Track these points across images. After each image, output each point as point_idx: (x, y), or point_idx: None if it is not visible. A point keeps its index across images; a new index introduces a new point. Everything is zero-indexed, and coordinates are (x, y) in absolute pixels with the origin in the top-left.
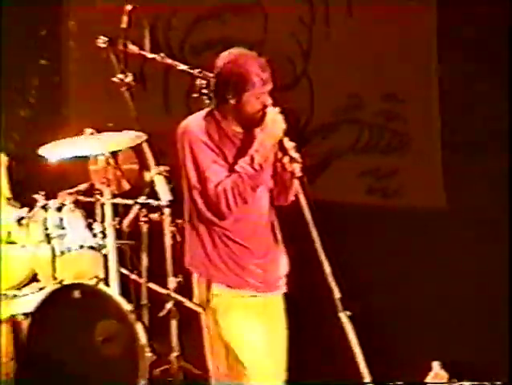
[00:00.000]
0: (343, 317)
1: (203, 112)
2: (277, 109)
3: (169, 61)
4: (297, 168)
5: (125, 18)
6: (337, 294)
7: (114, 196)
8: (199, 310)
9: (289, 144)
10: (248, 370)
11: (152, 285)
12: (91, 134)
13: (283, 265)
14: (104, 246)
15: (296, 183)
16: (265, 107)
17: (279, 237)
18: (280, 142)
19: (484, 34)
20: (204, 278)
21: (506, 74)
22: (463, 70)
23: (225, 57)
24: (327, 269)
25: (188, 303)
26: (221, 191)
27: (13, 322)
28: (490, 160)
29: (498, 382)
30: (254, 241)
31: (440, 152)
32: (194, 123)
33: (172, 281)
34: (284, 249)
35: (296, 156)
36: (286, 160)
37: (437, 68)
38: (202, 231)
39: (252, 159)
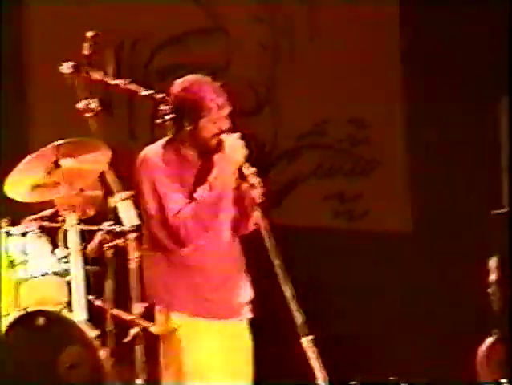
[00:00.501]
0: (305, 341)
1: (162, 141)
2: (237, 135)
3: (133, 86)
4: (257, 193)
5: (88, 44)
6: (299, 319)
7: (80, 221)
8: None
9: (248, 170)
10: None
11: (117, 312)
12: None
13: (246, 292)
14: (68, 272)
15: (257, 209)
16: (222, 131)
17: (242, 264)
18: (239, 168)
19: (446, 54)
20: (162, 308)
21: (473, 94)
22: (429, 93)
23: (179, 84)
24: (288, 294)
25: (153, 328)
26: (180, 219)
27: None
28: (457, 183)
29: None
30: (215, 269)
31: (406, 176)
32: (153, 152)
33: (137, 307)
34: (248, 275)
35: (256, 181)
36: (245, 186)
37: (402, 92)
38: (161, 260)
39: (211, 186)
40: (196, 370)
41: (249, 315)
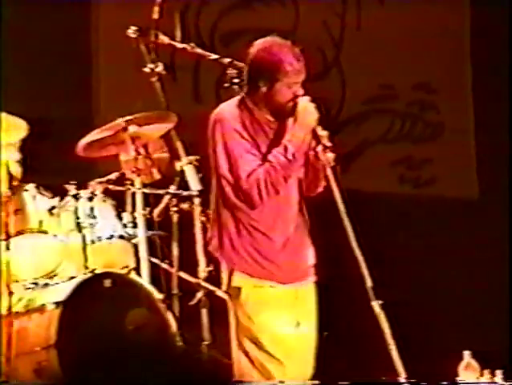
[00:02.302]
0: (376, 306)
1: (235, 100)
2: (308, 98)
3: (200, 51)
4: (330, 156)
5: (156, 9)
6: (369, 283)
7: (144, 185)
8: (225, 296)
9: (322, 133)
10: (276, 364)
11: (183, 275)
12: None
13: (310, 256)
14: (135, 236)
15: (328, 172)
16: (296, 97)
17: (307, 227)
18: (313, 131)
19: None
20: (226, 266)
21: None
22: (496, 59)
23: (259, 44)
24: (360, 257)
25: (219, 292)
26: (253, 180)
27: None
28: None
29: None
30: (280, 232)
31: (473, 143)
32: (227, 111)
33: (202, 271)
34: (314, 238)
35: (330, 144)
36: (319, 148)
37: (470, 57)
38: (228, 219)
39: (285, 148)
40: (261, 332)
41: (313, 279)
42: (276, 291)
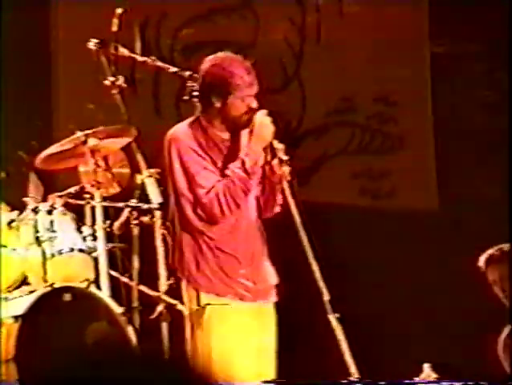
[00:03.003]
0: (333, 319)
1: (188, 120)
2: (265, 111)
3: (160, 64)
4: (286, 170)
5: (116, 21)
6: (326, 296)
7: (104, 198)
8: (187, 316)
9: (278, 146)
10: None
11: (143, 288)
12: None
13: (271, 274)
14: (95, 249)
15: (285, 186)
16: (250, 109)
17: (265, 246)
18: (270, 144)
19: (478, 33)
20: (192, 286)
21: (506, 75)
22: (456, 71)
23: (209, 60)
24: (316, 271)
25: (179, 306)
26: (213, 196)
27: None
28: (485, 161)
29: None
30: (243, 250)
31: (433, 154)
32: (181, 130)
33: (163, 284)
34: (273, 254)
35: (286, 158)
36: (275, 162)
37: (430, 70)
38: (189, 239)
39: (243, 162)
40: (221, 350)
41: (275, 298)
42: (240, 309)
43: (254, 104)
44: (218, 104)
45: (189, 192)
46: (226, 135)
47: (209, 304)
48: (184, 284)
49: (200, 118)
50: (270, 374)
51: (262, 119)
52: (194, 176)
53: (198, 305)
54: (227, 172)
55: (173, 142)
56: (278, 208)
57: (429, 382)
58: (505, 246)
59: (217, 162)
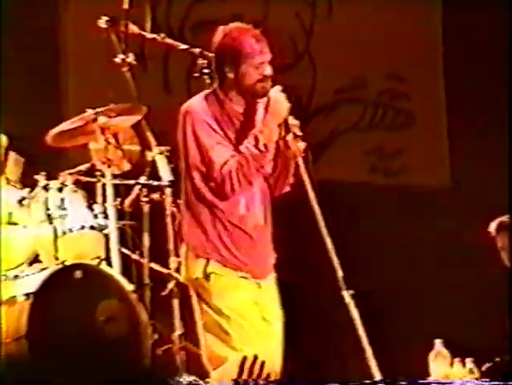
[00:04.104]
0: (347, 295)
1: (204, 93)
2: (279, 88)
3: (170, 41)
4: (302, 145)
5: None
6: (340, 273)
7: (115, 176)
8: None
9: (293, 122)
10: (234, 346)
11: (154, 265)
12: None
13: (271, 251)
14: (106, 227)
15: (299, 162)
16: (265, 77)
17: (271, 225)
18: (284, 120)
19: (490, 12)
20: (199, 254)
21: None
22: (468, 48)
23: (220, 32)
24: (330, 247)
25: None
26: (226, 172)
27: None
28: (497, 136)
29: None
30: (251, 226)
31: (445, 131)
32: (197, 104)
33: (173, 261)
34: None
35: (300, 134)
36: (289, 138)
37: (442, 45)
38: (201, 211)
39: (256, 139)
40: (222, 319)
41: (274, 275)
42: (244, 281)
43: (268, 71)
44: (232, 75)
45: (202, 165)
46: (241, 109)
47: (213, 272)
48: (183, 251)
49: (217, 91)
50: (276, 350)
51: (277, 96)
52: (208, 151)
53: (203, 272)
54: (241, 148)
55: (188, 115)
56: (287, 188)
57: (445, 382)
58: None
59: (232, 136)
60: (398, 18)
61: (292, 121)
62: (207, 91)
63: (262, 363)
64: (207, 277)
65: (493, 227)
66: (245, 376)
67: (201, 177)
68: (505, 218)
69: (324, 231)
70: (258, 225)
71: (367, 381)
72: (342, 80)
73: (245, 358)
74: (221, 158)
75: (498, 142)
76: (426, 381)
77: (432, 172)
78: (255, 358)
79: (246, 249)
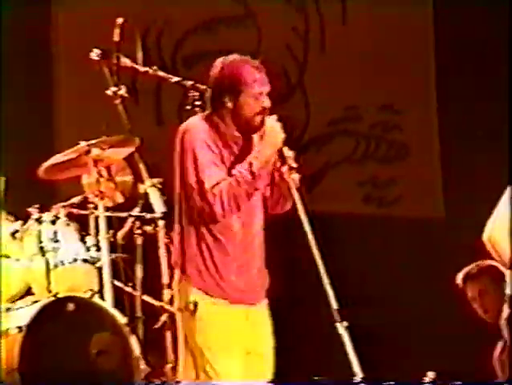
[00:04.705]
0: (340, 328)
1: (202, 115)
2: (275, 117)
3: (162, 74)
4: (296, 177)
5: (117, 31)
6: (334, 305)
7: (107, 208)
8: (176, 312)
9: (288, 153)
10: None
11: (147, 298)
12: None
13: (265, 278)
14: (98, 259)
15: (295, 193)
16: (263, 109)
17: (263, 250)
18: (279, 151)
19: (482, 42)
20: (184, 282)
21: (506, 85)
22: (461, 80)
23: (219, 63)
24: (325, 279)
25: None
26: (217, 192)
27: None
28: (491, 168)
29: None
30: (241, 252)
31: (439, 162)
32: (196, 123)
33: (166, 294)
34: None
35: (295, 165)
36: (284, 169)
37: (435, 78)
38: (190, 234)
39: (250, 164)
40: (209, 347)
41: (266, 300)
42: (229, 310)
43: (267, 103)
44: (230, 104)
45: (196, 184)
46: (237, 134)
47: (196, 302)
48: (176, 280)
49: (212, 115)
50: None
51: (273, 125)
52: (203, 169)
53: (187, 302)
54: (234, 171)
55: (187, 132)
56: (288, 207)
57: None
58: (483, 263)
59: (227, 159)
60: (391, 49)
61: (287, 152)
62: (204, 114)
63: None
64: (191, 306)
65: (459, 278)
66: None
67: (195, 196)
68: (471, 267)
69: (319, 262)
70: (251, 248)
71: None
72: (335, 112)
73: None
74: (214, 178)
75: (494, 174)
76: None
77: (425, 202)
78: None
79: (233, 276)
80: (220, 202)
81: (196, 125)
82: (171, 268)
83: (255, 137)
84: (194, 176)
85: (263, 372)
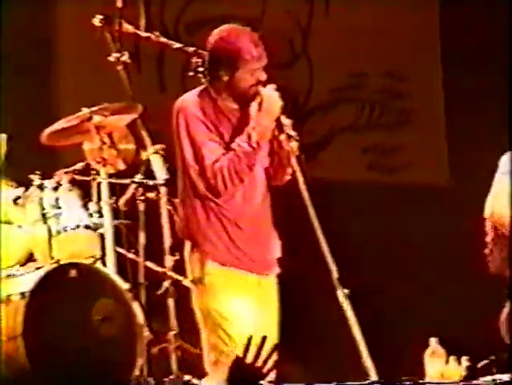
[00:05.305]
0: (341, 295)
1: (198, 89)
2: (273, 86)
3: (164, 40)
4: (294, 145)
5: None
6: (335, 274)
7: (110, 175)
8: (190, 283)
9: (286, 122)
10: (233, 347)
11: (150, 264)
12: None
13: (276, 248)
14: (101, 225)
15: (293, 161)
16: (259, 82)
17: (271, 219)
18: (277, 119)
19: (487, 9)
20: (197, 253)
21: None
22: (466, 45)
23: (216, 34)
24: (325, 248)
25: (185, 282)
26: (217, 169)
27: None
28: (496, 134)
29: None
30: (248, 221)
31: (444, 129)
32: (189, 100)
33: (169, 260)
34: (281, 229)
35: (293, 133)
36: (282, 137)
37: (440, 43)
38: (197, 206)
39: (249, 137)
40: (222, 319)
41: (278, 270)
42: (242, 278)
43: (263, 77)
44: (226, 78)
45: (195, 162)
46: (235, 106)
47: (210, 273)
48: (187, 251)
49: (208, 88)
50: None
51: (270, 94)
52: (200, 147)
53: (201, 273)
54: (233, 145)
55: (181, 111)
56: (288, 177)
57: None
58: None
59: (225, 133)
60: (396, 15)
61: (285, 121)
62: (200, 88)
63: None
64: (204, 277)
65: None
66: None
67: (195, 174)
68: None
69: (319, 231)
70: (257, 219)
71: (364, 382)
72: (339, 79)
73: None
74: (213, 155)
75: (497, 140)
76: (422, 382)
77: (430, 169)
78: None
79: (245, 245)
80: (221, 178)
81: (188, 103)
82: (174, 235)
83: (253, 107)
84: (192, 154)
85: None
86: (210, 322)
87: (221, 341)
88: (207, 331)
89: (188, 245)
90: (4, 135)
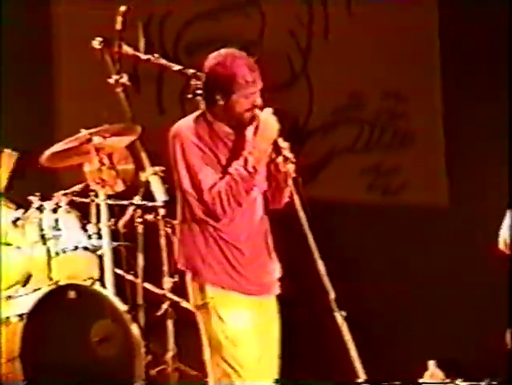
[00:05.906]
0: (339, 317)
1: (194, 115)
2: (270, 110)
3: (163, 61)
4: (291, 168)
5: (119, 19)
6: (332, 295)
7: (109, 196)
8: (194, 310)
9: (283, 144)
10: (240, 370)
11: (148, 286)
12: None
13: (275, 269)
14: (99, 247)
15: (290, 183)
16: (255, 106)
17: (271, 242)
18: (274, 142)
19: (486, 31)
20: (197, 280)
21: (508, 69)
22: (466, 67)
23: (212, 58)
24: (322, 269)
25: (184, 303)
26: (215, 194)
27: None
28: (495, 157)
29: (494, 383)
30: (247, 243)
31: (443, 150)
32: (185, 125)
33: (167, 282)
34: (278, 250)
35: (290, 156)
36: (279, 160)
37: (440, 64)
38: (196, 231)
39: (246, 161)
40: (228, 342)
41: (278, 291)
42: (243, 300)
43: (258, 101)
44: (222, 102)
45: (192, 188)
46: (231, 130)
47: (212, 298)
48: (188, 279)
49: (205, 113)
50: (273, 369)
51: (267, 118)
52: (197, 173)
53: (203, 299)
54: (230, 169)
55: (177, 137)
56: (286, 200)
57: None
58: None
59: (222, 157)
60: (395, 36)
61: (282, 143)
62: (197, 113)
63: None
64: (205, 302)
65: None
66: None
67: (193, 199)
68: None
69: (316, 252)
70: (256, 242)
71: None
72: (339, 100)
73: None
74: (210, 180)
75: (497, 162)
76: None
77: (429, 190)
78: None
79: (244, 269)
80: (220, 202)
81: (184, 128)
82: (172, 257)
83: (249, 131)
84: (189, 180)
85: (274, 361)
86: (215, 344)
87: (226, 364)
88: (213, 354)
89: (189, 273)
90: (15, 153)
